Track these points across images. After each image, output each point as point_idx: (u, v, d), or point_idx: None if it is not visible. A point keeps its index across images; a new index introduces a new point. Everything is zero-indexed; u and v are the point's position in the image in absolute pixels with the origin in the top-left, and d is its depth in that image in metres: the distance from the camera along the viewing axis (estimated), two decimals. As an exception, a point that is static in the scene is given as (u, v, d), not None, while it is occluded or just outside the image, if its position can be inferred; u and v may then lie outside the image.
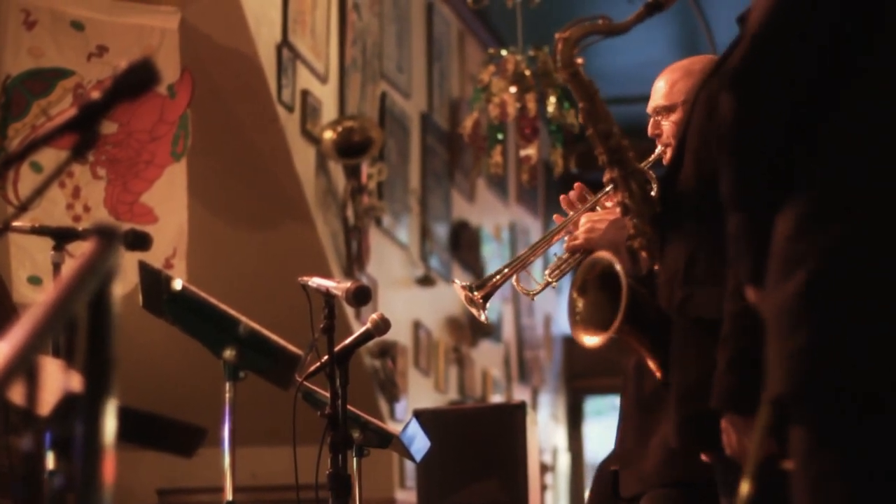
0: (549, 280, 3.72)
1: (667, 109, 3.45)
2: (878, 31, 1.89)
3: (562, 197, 3.73)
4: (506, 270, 3.77)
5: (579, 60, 2.95)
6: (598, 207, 3.65)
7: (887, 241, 1.81)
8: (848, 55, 1.89)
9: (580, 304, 2.96)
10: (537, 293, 3.80)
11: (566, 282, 3.63)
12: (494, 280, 3.75)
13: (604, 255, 2.95)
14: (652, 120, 3.47)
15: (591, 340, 2.91)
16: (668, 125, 3.42)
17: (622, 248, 3.40)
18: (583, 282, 2.96)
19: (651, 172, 3.31)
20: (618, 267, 2.84)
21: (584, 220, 3.59)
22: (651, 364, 2.90)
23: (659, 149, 3.45)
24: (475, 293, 3.73)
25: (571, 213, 3.68)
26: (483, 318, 3.81)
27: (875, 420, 1.80)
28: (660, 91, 3.49)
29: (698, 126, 2.66)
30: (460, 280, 3.87)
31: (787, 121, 1.91)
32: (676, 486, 3.34)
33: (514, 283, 3.77)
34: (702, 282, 2.59)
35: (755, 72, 1.93)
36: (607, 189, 3.64)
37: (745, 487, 1.98)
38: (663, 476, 3.36)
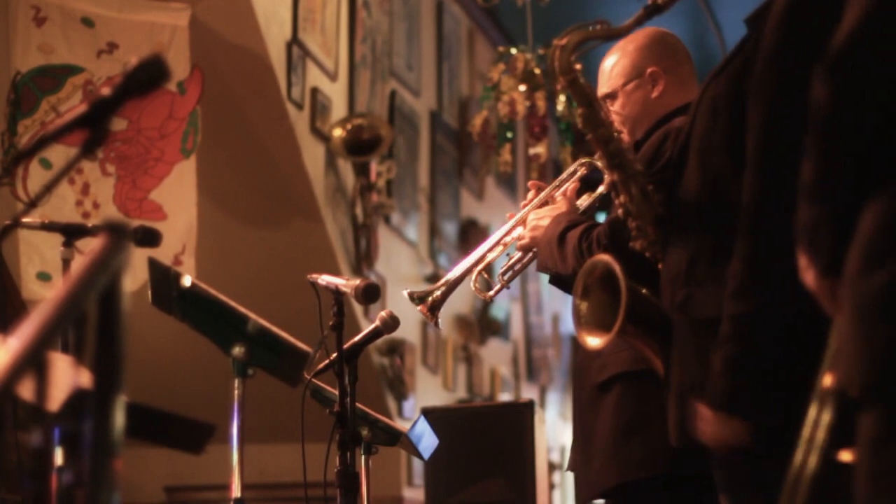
0: (503, 281, 3.69)
1: (609, 97, 3.45)
2: None
3: (522, 204, 3.70)
4: (451, 278, 3.71)
5: (577, 66, 2.94)
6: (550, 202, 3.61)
7: None
8: None
9: (584, 307, 2.94)
10: (493, 295, 3.75)
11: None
12: (437, 294, 3.69)
13: (602, 257, 2.94)
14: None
15: (594, 342, 2.90)
16: (614, 115, 3.42)
17: (554, 240, 3.39)
18: (584, 286, 2.94)
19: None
20: (617, 268, 2.82)
21: (531, 218, 3.56)
22: (655, 363, 2.89)
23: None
24: (418, 305, 3.69)
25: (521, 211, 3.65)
26: (437, 326, 3.78)
27: None
28: (602, 78, 3.48)
29: (703, 127, 2.64)
30: (411, 291, 3.78)
31: (885, 112, 1.87)
32: (617, 489, 3.32)
33: (473, 287, 3.72)
34: (703, 282, 2.58)
35: (857, 59, 1.88)
36: (555, 182, 3.63)
37: (803, 484, 1.96)
38: (605, 481, 3.33)
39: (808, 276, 1.98)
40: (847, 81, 1.90)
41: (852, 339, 1.86)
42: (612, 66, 3.46)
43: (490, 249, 3.69)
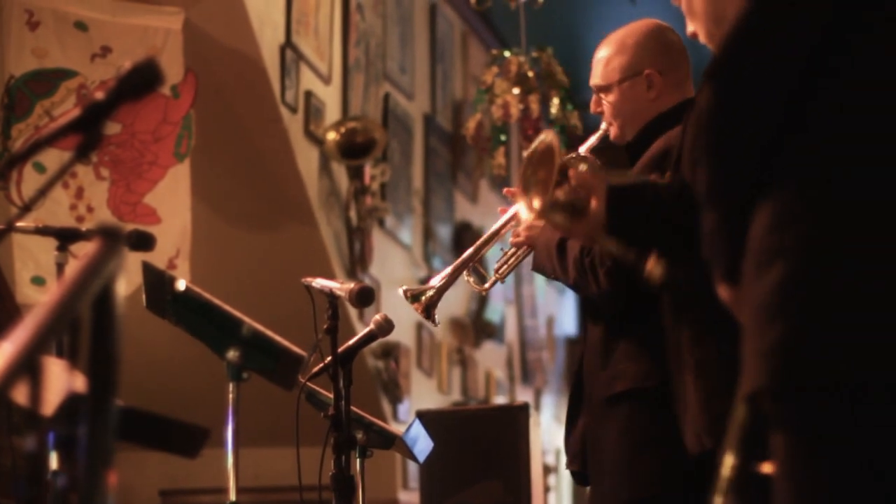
0: (497, 276, 3.65)
1: (604, 89, 3.42)
2: (861, 29, 1.85)
3: (506, 190, 3.65)
4: (448, 273, 3.66)
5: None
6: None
7: (864, 235, 1.77)
8: (831, 50, 1.85)
9: (533, 179, 2.86)
10: (487, 289, 3.71)
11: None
12: (431, 293, 3.64)
13: (548, 136, 2.85)
14: (594, 96, 3.45)
15: (527, 215, 2.84)
16: (607, 105, 3.41)
17: (553, 246, 3.37)
18: (538, 160, 2.87)
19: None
20: (555, 146, 2.74)
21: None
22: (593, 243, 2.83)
23: (603, 126, 3.44)
24: (413, 304, 3.65)
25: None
26: (432, 325, 3.73)
27: (856, 416, 1.75)
28: (597, 69, 3.45)
29: (693, 137, 2.64)
30: (405, 287, 3.73)
31: (767, 114, 1.86)
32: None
33: (466, 279, 3.68)
34: (710, 282, 2.58)
35: (736, 63, 1.87)
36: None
37: (718, 496, 1.92)
38: (617, 496, 3.31)
39: (721, 288, 1.97)
40: (727, 87, 1.88)
41: (748, 345, 1.84)
42: (609, 59, 3.42)
43: (483, 245, 3.66)
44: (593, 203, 2.74)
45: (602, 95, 3.42)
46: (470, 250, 3.66)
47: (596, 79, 3.43)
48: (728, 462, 1.91)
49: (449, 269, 3.65)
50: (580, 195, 2.75)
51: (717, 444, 2.63)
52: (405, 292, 3.67)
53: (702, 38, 2.70)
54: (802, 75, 1.85)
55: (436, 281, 3.64)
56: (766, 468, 1.87)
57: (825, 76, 1.85)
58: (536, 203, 2.76)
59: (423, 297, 3.61)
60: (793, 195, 1.83)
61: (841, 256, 1.78)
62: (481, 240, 3.67)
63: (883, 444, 1.74)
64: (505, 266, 3.62)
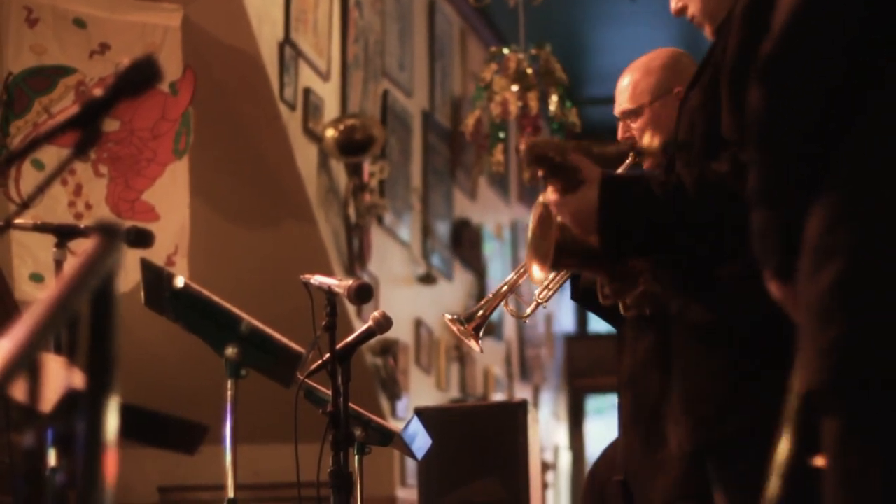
0: (539, 301, 3.65)
1: (633, 113, 3.42)
2: None
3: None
4: (491, 297, 3.67)
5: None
6: None
7: None
8: (882, 45, 1.85)
9: (537, 241, 2.87)
10: (528, 315, 3.72)
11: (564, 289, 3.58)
12: (482, 312, 3.65)
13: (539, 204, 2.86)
14: (620, 123, 3.45)
15: (538, 275, 2.86)
16: (636, 130, 3.40)
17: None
18: (542, 221, 2.87)
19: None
20: (553, 209, 2.74)
21: None
22: (601, 280, 2.84)
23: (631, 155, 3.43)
24: (465, 325, 3.65)
25: None
26: (478, 348, 3.73)
27: None
28: (624, 94, 3.45)
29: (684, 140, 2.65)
30: (452, 314, 3.75)
31: (819, 112, 1.86)
32: (689, 499, 3.30)
33: (505, 308, 3.69)
34: (696, 289, 2.59)
35: (787, 62, 1.87)
36: None
37: (773, 487, 1.94)
38: (681, 490, 3.31)
39: (773, 285, 1.98)
40: (779, 86, 1.89)
41: (805, 343, 1.85)
42: (637, 83, 3.42)
43: (524, 272, 3.62)
44: (585, 189, 2.69)
45: (629, 121, 3.42)
46: (512, 275, 3.66)
47: (624, 104, 3.43)
48: (783, 448, 1.93)
49: (496, 290, 3.66)
50: (576, 175, 2.72)
51: (696, 450, 2.64)
52: (452, 319, 3.66)
53: (691, 10, 2.72)
54: (854, 71, 1.85)
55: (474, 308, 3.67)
56: (818, 462, 1.89)
57: (877, 71, 1.85)
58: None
59: (477, 316, 3.61)
60: (849, 193, 1.84)
61: (892, 258, 1.79)
62: (523, 265, 3.63)
63: None
64: (546, 290, 3.61)
